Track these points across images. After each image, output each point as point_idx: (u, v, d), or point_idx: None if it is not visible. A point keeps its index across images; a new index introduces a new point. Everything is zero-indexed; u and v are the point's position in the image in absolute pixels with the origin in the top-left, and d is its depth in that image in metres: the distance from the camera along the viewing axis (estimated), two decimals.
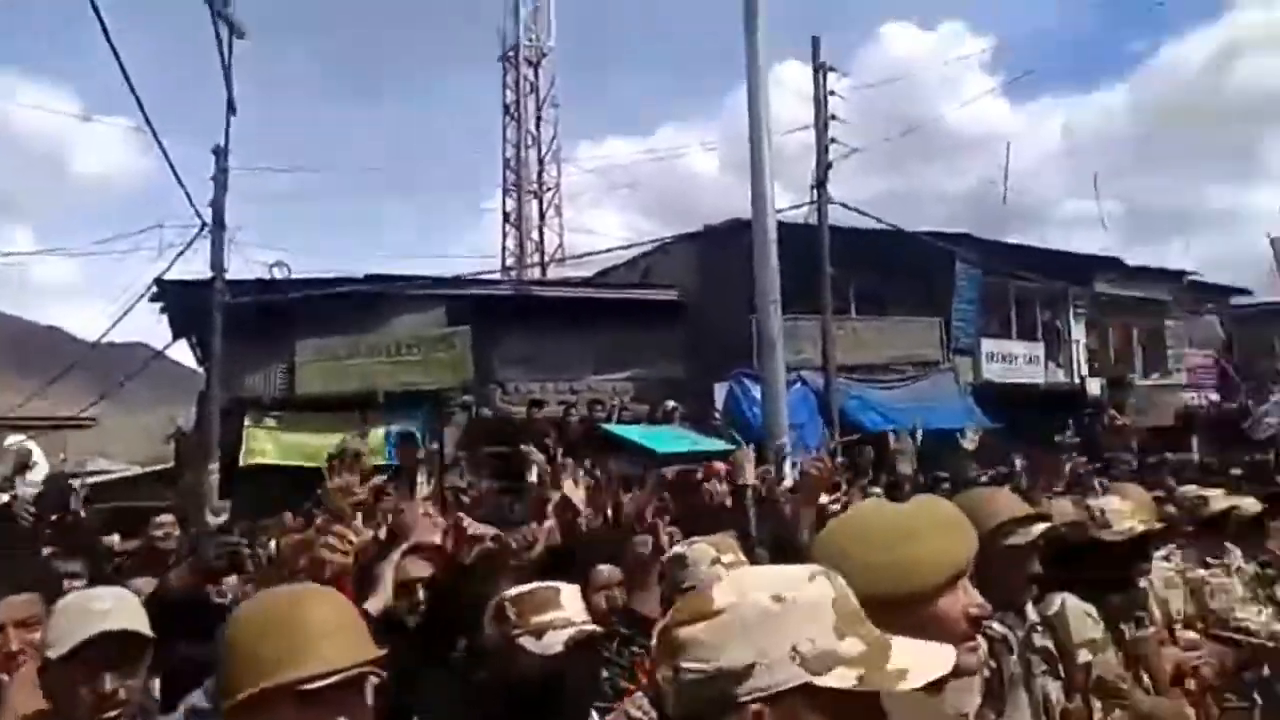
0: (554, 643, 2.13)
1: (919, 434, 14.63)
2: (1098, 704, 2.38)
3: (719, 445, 11.84)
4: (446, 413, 14.81)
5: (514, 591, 2.24)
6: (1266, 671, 3.83)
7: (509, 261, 27.46)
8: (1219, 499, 4.23)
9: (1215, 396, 24.03)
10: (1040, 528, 2.27)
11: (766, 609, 1.07)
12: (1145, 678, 2.70)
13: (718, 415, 15.23)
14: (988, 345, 19.87)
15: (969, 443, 14.92)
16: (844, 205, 16.55)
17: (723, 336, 15.58)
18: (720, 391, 15.78)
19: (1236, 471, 9.67)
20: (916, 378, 18.42)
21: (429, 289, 15.51)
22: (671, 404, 14.65)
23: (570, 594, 2.25)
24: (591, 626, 2.24)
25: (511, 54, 28.26)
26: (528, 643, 2.14)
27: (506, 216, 28.76)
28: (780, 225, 12.91)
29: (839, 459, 8.67)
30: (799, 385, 15.25)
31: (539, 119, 28.44)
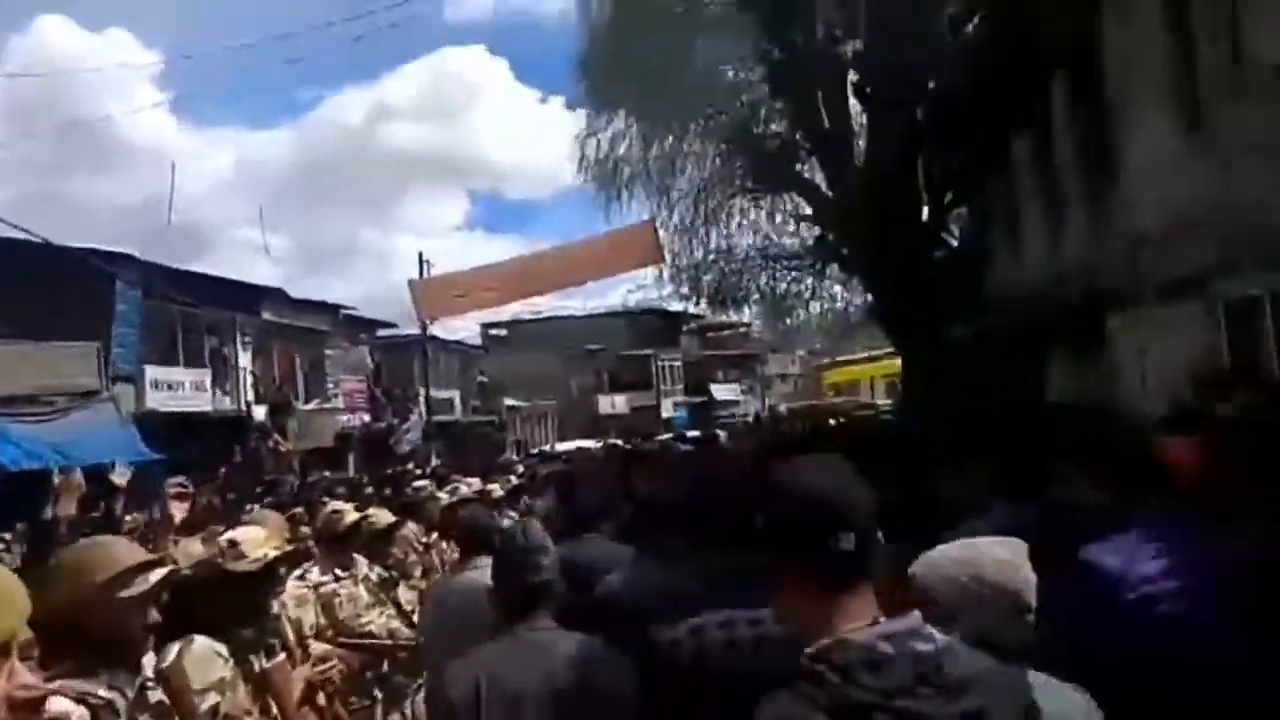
0: None
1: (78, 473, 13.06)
2: None
3: None
4: None
5: None
6: (386, 668, 4.35)
7: None
8: (350, 513, 4.67)
9: (367, 418, 26.94)
10: (158, 574, 2.16)
11: None
12: (274, 706, 2.79)
13: None
14: (152, 373, 18.78)
15: (119, 477, 13.81)
16: None
17: None
18: None
19: (369, 489, 10.88)
20: (71, 409, 16.40)
21: None
22: None
23: None
24: None
25: None
26: None
27: None
28: None
29: None
30: None
31: None
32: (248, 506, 7.07)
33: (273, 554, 2.91)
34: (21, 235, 14.99)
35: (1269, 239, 5.35)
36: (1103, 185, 8.00)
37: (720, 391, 51.14)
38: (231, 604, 2.74)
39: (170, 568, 2.25)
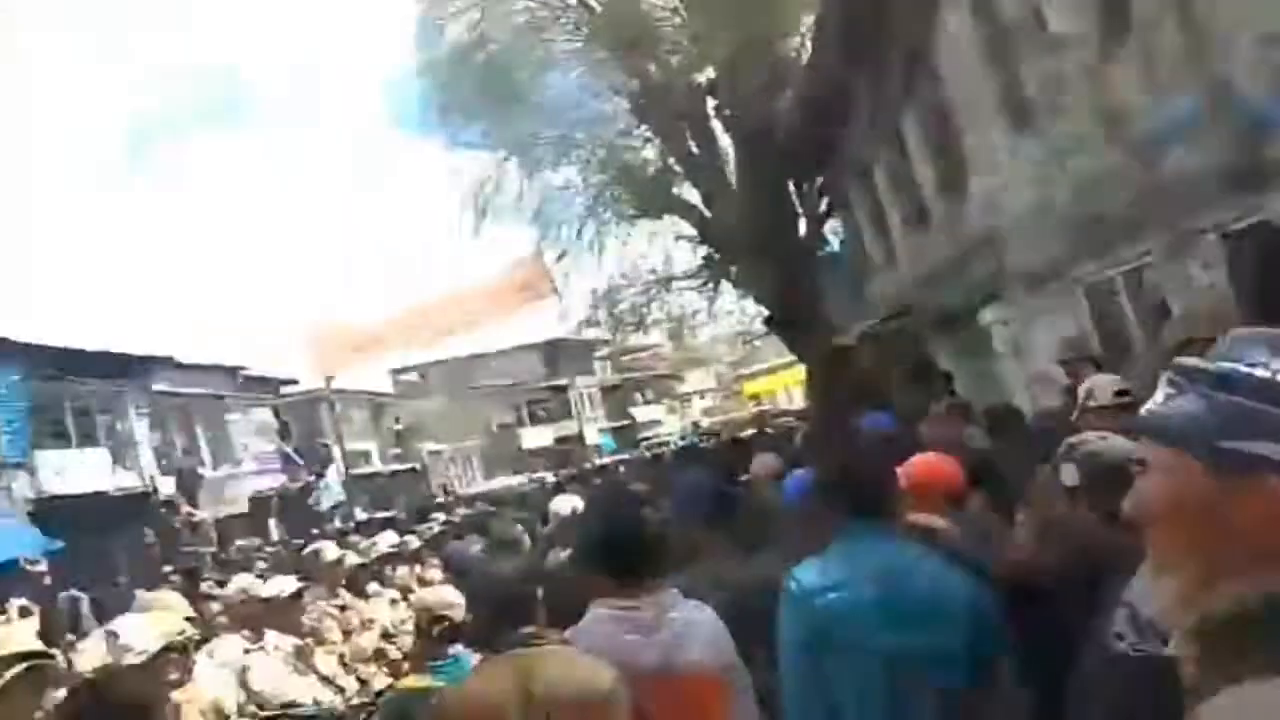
0: None
1: None
2: None
3: None
4: None
5: None
6: None
7: None
8: (260, 587, 4.57)
9: (283, 479, 26.14)
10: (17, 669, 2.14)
11: None
12: None
13: None
14: (45, 456, 17.88)
15: (30, 565, 13.09)
16: None
17: None
18: None
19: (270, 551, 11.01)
20: None
21: None
22: None
23: None
24: None
25: None
26: None
27: None
28: None
29: None
30: None
31: None
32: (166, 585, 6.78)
33: (160, 643, 2.79)
34: None
35: (1109, 227, 5.70)
36: (955, 187, 8.40)
37: (641, 413, 51.30)
38: (120, 701, 2.61)
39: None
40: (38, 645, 2.32)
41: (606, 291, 16.02)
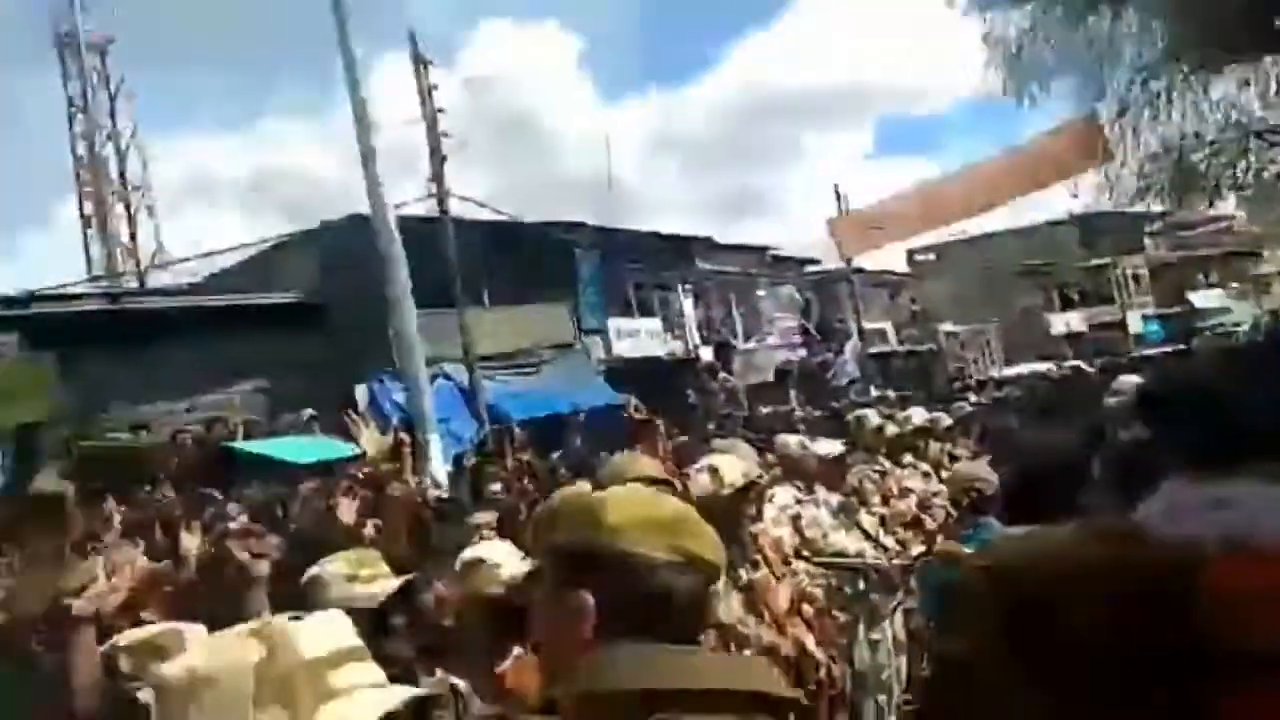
0: None
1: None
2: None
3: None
4: (33, 451, 12.73)
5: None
6: (861, 585, 4.54)
7: (96, 271, 24.25)
8: (815, 445, 4.95)
9: (803, 353, 27.75)
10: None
11: (181, 683, 1.03)
12: (765, 614, 3.09)
13: (352, 418, 14.70)
14: (614, 324, 21.18)
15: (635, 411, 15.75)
16: (463, 198, 16.63)
17: (358, 337, 15.03)
18: (361, 394, 15.26)
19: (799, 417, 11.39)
20: (552, 361, 19.13)
21: None
22: (309, 412, 13.83)
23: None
24: None
25: (69, 39, 24.80)
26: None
27: (86, 220, 25.36)
28: (406, 220, 12.79)
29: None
30: (442, 380, 15.17)
31: (114, 111, 25.37)
32: (714, 439, 7.69)
33: (742, 481, 3.17)
34: (497, 217, 17.77)
35: None
36: None
37: (1202, 299, 43.99)
38: (717, 523, 3.03)
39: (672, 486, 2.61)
40: (658, 473, 2.78)
41: (1172, 154, 13.55)
